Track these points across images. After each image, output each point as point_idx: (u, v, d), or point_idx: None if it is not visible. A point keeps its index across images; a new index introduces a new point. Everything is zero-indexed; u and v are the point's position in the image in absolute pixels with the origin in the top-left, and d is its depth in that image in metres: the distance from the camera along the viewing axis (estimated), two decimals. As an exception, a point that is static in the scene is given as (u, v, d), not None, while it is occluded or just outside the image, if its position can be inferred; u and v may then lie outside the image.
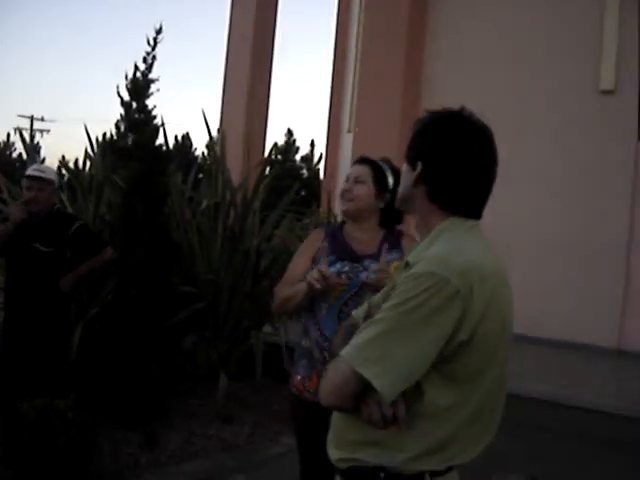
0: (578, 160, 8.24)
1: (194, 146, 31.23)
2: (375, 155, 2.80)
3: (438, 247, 1.55)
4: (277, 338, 5.79)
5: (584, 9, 8.30)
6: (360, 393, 1.47)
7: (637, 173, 7.94)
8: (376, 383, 1.42)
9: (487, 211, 1.65)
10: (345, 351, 1.48)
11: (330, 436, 1.68)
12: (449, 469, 1.58)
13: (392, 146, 6.56)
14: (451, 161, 1.59)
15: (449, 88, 9.08)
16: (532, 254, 8.37)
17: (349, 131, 11.15)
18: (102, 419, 4.10)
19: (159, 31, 5.37)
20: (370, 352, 1.44)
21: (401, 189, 1.74)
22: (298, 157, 30.96)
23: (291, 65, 58.82)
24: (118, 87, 5.97)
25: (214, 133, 7.09)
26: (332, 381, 1.49)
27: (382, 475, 1.55)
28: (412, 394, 1.49)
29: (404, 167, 1.71)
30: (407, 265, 1.58)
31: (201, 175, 7.68)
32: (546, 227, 8.39)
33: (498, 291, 1.52)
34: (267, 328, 6.14)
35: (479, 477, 4.18)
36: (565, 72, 8.35)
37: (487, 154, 1.62)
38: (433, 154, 1.61)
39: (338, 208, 3.07)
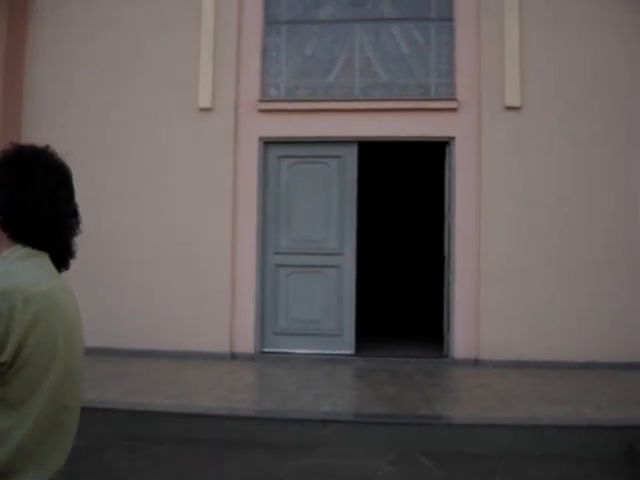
0: (183, 176, 8.60)
1: None
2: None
3: None
4: None
5: (183, 33, 8.72)
6: None
7: (236, 186, 8.58)
8: None
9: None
10: None
11: None
12: None
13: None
14: (26, 195, 1.62)
15: (53, 103, 8.82)
16: (153, 268, 8.52)
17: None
18: None
19: None
20: None
21: None
22: None
23: None
24: None
25: None
26: None
27: None
28: None
29: None
30: None
31: None
32: (166, 240, 8.57)
33: (47, 313, 1.55)
34: None
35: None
36: (167, 92, 8.67)
37: (62, 192, 1.69)
38: (10, 186, 1.64)
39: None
